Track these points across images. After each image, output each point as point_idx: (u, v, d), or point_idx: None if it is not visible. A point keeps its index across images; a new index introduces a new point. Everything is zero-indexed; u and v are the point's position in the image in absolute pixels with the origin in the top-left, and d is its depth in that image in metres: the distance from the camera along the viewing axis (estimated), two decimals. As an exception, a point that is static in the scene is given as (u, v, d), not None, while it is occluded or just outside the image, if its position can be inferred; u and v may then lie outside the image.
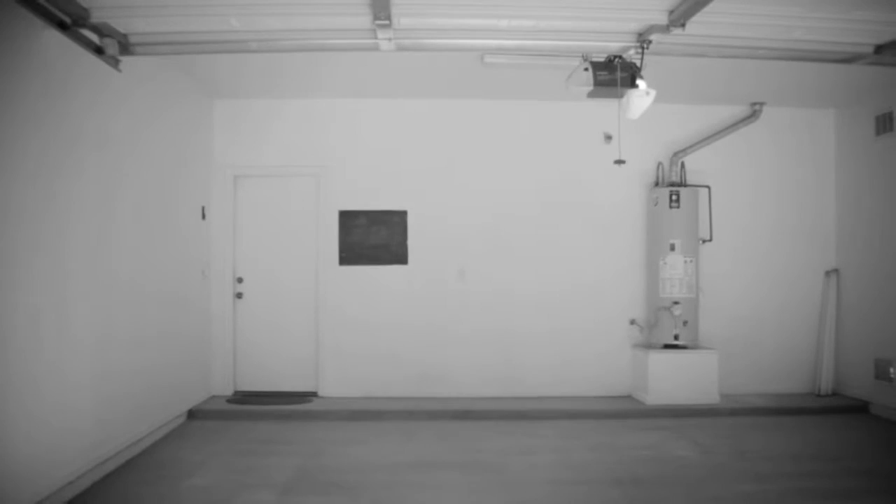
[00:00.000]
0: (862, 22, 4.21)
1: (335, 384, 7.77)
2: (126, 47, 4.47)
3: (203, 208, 7.47)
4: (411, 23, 4.24)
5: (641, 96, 4.69)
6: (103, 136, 5.16)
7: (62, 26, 4.01)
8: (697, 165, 7.95)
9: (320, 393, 7.78)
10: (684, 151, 7.81)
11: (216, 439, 6.42)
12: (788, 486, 5.12)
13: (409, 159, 7.88)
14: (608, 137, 7.92)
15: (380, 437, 6.52)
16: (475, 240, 7.89)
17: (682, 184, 7.76)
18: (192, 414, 7.08)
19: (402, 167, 7.87)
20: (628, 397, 7.82)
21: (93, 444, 5.10)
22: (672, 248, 7.56)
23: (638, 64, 4.69)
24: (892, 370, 7.17)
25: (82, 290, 4.94)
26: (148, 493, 5.00)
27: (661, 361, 7.45)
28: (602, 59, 4.73)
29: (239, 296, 7.83)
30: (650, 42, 4.30)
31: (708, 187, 7.90)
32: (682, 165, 7.83)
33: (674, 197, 7.55)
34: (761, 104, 7.92)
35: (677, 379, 7.42)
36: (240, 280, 7.84)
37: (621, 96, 4.77)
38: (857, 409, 7.56)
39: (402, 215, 7.85)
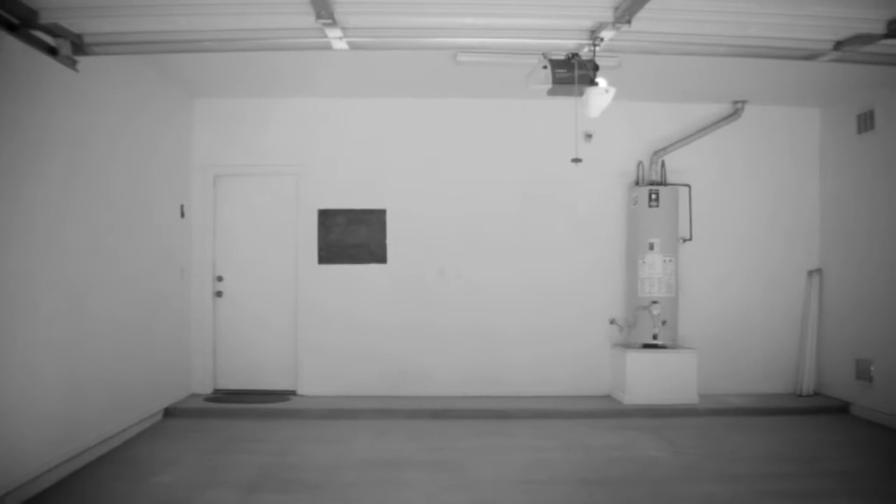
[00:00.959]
0: (819, 18, 4.17)
1: (314, 383, 7.78)
2: (81, 48, 4.48)
3: (182, 207, 7.50)
4: (362, 21, 4.23)
5: (600, 94, 4.67)
6: (70, 136, 5.18)
7: (11, 28, 4.03)
8: (678, 164, 7.91)
9: (299, 391, 7.79)
10: (664, 150, 7.77)
11: (190, 437, 6.44)
12: (756, 487, 5.09)
13: (389, 158, 7.89)
14: (588, 136, 7.89)
15: (353, 436, 6.52)
16: (455, 239, 7.89)
17: (662, 183, 7.72)
18: (169, 412, 7.10)
19: (382, 166, 7.88)
20: (608, 397, 7.79)
21: (60, 440, 5.13)
22: (651, 247, 7.53)
23: (595, 62, 4.66)
24: (872, 369, 7.10)
25: (50, 288, 4.96)
26: (111, 490, 5.01)
27: (639, 361, 7.42)
28: (561, 58, 4.69)
29: (219, 294, 7.86)
30: (602, 39, 4.27)
31: (688, 186, 7.86)
32: (663, 164, 7.79)
33: (653, 196, 7.51)
34: (743, 103, 7.87)
35: (655, 379, 7.39)
36: (220, 279, 7.86)
37: (581, 94, 4.72)
38: (838, 409, 7.51)
39: (381, 214, 7.85)
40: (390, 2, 4.00)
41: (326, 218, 7.82)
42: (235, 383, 7.85)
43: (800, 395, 7.90)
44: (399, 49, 4.87)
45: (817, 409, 7.53)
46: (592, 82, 4.71)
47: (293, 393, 7.80)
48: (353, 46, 4.44)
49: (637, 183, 7.81)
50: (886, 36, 4.13)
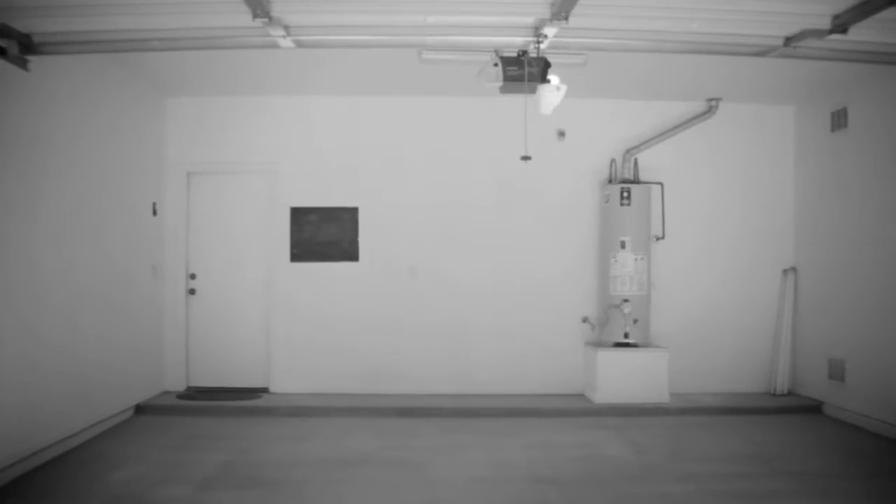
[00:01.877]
0: (765, 13, 4.13)
1: (286, 380, 7.79)
2: (30, 47, 4.49)
3: (154, 205, 7.52)
4: (305, 20, 4.22)
5: (552, 91, 4.67)
6: (27, 136, 5.20)
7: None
8: (652, 162, 7.88)
9: (272, 389, 7.81)
10: (637, 148, 7.74)
11: (156, 434, 6.46)
12: (710, 488, 5.07)
13: (361, 156, 7.89)
14: (561, 134, 7.88)
15: (318, 434, 6.53)
16: (427, 237, 7.88)
17: (635, 181, 7.69)
18: (139, 409, 7.13)
19: (354, 164, 7.88)
20: (580, 396, 7.78)
21: (20, 437, 5.15)
22: (623, 245, 7.50)
23: (547, 59, 4.64)
24: (845, 369, 7.05)
25: (9, 284, 5.00)
26: (68, 486, 5.03)
27: (609, 360, 7.40)
28: (513, 55, 4.68)
29: (192, 292, 7.88)
30: (545, 36, 4.25)
31: (661, 184, 7.82)
32: (635, 162, 7.76)
33: (625, 194, 7.48)
34: (717, 100, 7.83)
35: (626, 377, 7.37)
36: (193, 276, 7.88)
37: (532, 91, 4.71)
38: (811, 409, 7.47)
39: (353, 212, 7.86)
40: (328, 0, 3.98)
41: (299, 216, 7.83)
42: (209, 380, 7.87)
43: (774, 395, 7.86)
44: (346, 47, 4.86)
45: (790, 408, 7.48)
46: (544, 79, 4.67)
47: (265, 390, 7.81)
48: (299, 45, 4.43)
49: (610, 181, 7.79)
50: (832, 31, 4.09)
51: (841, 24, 3.97)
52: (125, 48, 4.68)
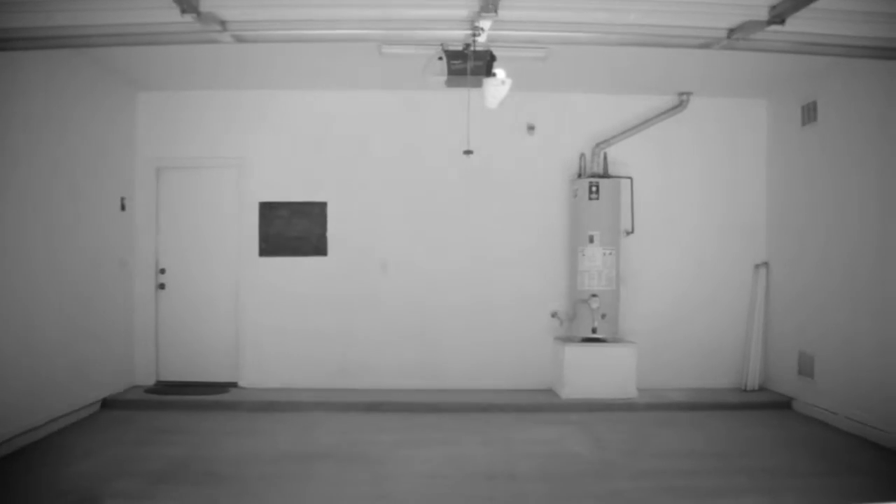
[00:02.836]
0: (705, 4, 4.10)
1: (255, 375, 7.80)
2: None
3: (122, 199, 7.52)
4: (240, 15, 4.20)
5: (497, 85, 4.64)
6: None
7: None
8: (623, 157, 7.83)
9: (241, 383, 7.81)
10: (607, 142, 7.70)
11: (119, 428, 6.48)
12: (665, 484, 5.05)
13: (330, 151, 7.88)
14: (531, 128, 7.85)
15: (281, 429, 6.54)
16: (396, 231, 7.87)
17: (604, 175, 7.64)
18: (106, 403, 7.14)
19: (323, 158, 7.87)
20: (549, 391, 7.75)
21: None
22: (591, 239, 7.47)
23: (492, 52, 4.62)
24: (815, 363, 7.00)
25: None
26: (18, 481, 5.04)
27: (577, 355, 7.37)
28: (458, 49, 4.65)
29: (161, 286, 7.89)
30: (481, 29, 4.22)
31: (630, 178, 7.77)
32: (605, 157, 7.72)
33: (593, 188, 7.44)
34: (688, 94, 7.78)
35: (593, 373, 7.34)
36: (162, 271, 7.89)
37: (478, 85, 4.69)
38: (782, 405, 7.43)
39: (321, 206, 7.85)
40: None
41: (268, 210, 7.83)
42: (179, 375, 7.88)
43: (745, 391, 7.82)
44: (286, 42, 4.81)
45: (760, 404, 7.45)
46: (489, 73, 4.64)
47: (234, 385, 7.82)
48: (239, 40, 4.42)
49: (580, 175, 7.75)
50: (770, 22, 4.05)
51: (778, 15, 3.93)
52: (65, 44, 4.68)
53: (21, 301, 5.77)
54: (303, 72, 7.23)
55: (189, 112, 7.82)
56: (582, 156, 7.75)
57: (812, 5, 3.80)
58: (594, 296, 7.39)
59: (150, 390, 7.62)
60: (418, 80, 7.23)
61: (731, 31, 4.36)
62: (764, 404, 7.43)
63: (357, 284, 7.84)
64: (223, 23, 4.23)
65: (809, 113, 7.22)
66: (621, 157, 7.83)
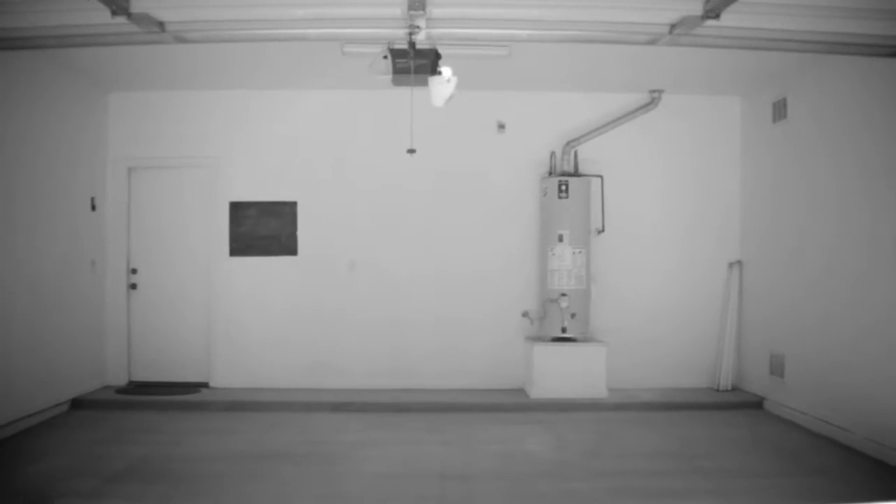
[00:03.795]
0: (645, 0, 4.06)
1: (226, 375, 7.81)
2: None
3: (93, 200, 7.54)
4: (179, 15, 4.20)
5: (442, 83, 4.64)
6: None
7: None
8: (594, 155, 7.79)
9: (212, 384, 7.82)
10: (577, 140, 7.65)
11: (85, 428, 6.49)
12: (618, 485, 5.01)
13: (299, 150, 7.87)
14: (501, 126, 7.83)
15: (245, 428, 6.54)
16: (366, 230, 7.85)
17: (574, 173, 7.60)
18: (76, 403, 7.16)
19: (292, 158, 7.86)
20: (520, 391, 7.71)
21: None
22: (560, 238, 7.42)
23: (438, 51, 4.60)
24: (786, 363, 6.94)
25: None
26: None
27: (546, 354, 7.34)
28: (403, 47, 4.63)
29: (133, 287, 7.90)
30: (419, 28, 4.20)
31: (600, 177, 7.72)
32: (575, 155, 7.67)
33: (562, 187, 7.40)
34: (660, 91, 7.72)
35: (562, 372, 7.31)
36: (134, 271, 7.91)
37: (424, 83, 4.68)
38: (753, 405, 7.38)
39: (291, 206, 7.85)
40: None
41: (238, 210, 7.83)
42: (151, 375, 7.90)
43: (717, 390, 7.76)
44: (227, 42, 4.79)
45: (732, 404, 7.39)
46: (435, 71, 4.62)
47: (206, 385, 7.83)
48: (180, 40, 4.41)
49: (550, 173, 7.71)
50: (706, 17, 4.01)
51: (713, 10, 3.89)
52: (11, 46, 4.65)
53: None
54: (272, 72, 7.23)
55: (161, 112, 7.83)
56: (553, 154, 7.72)
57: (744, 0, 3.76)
58: (564, 295, 7.35)
59: (121, 390, 7.63)
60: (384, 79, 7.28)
61: (673, 27, 4.32)
62: (736, 404, 7.37)
63: (328, 283, 7.83)
64: (161, 24, 4.22)
65: (780, 110, 7.16)
66: (593, 155, 7.78)
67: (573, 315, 7.37)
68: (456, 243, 7.87)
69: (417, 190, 7.87)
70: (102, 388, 7.70)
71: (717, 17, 3.97)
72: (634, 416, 7.02)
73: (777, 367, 7.13)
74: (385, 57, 4.61)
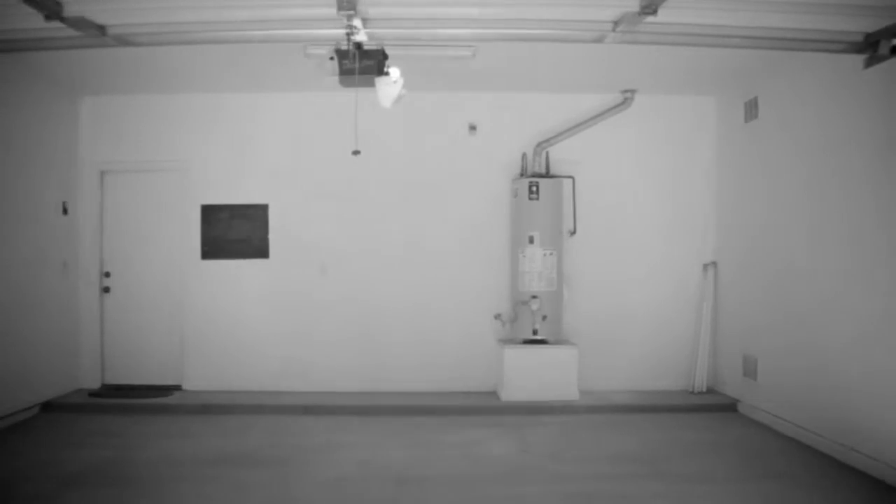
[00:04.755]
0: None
1: (199, 378, 7.79)
2: None
3: (64, 204, 7.56)
4: (118, 18, 4.18)
5: (389, 84, 4.60)
6: None
7: None
8: (567, 156, 7.74)
9: (185, 386, 7.81)
10: (548, 141, 7.60)
11: (53, 431, 6.49)
12: (573, 489, 4.97)
13: (270, 153, 7.86)
14: (472, 128, 7.79)
15: (212, 432, 6.52)
16: (338, 233, 7.83)
17: (545, 175, 7.55)
18: (47, 406, 7.16)
19: (264, 160, 7.85)
20: (493, 393, 7.66)
21: None
22: (531, 240, 7.37)
23: (384, 51, 4.57)
24: (758, 365, 6.86)
25: None
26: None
27: (516, 356, 7.29)
28: (350, 48, 4.60)
29: (107, 290, 7.91)
30: (356, 28, 4.17)
31: (572, 178, 7.67)
32: (547, 156, 7.62)
33: (533, 188, 7.36)
34: (632, 92, 7.66)
35: (533, 375, 7.25)
36: (107, 274, 7.91)
37: (371, 84, 4.65)
38: (727, 408, 7.30)
39: (263, 209, 7.84)
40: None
41: (210, 213, 7.83)
42: (124, 378, 7.90)
43: (692, 393, 7.68)
44: (168, 45, 4.76)
45: (706, 406, 7.31)
46: (381, 72, 4.60)
47: (179, 388, 7.82)
48: (124, 43, 4.39)
49: (522, 175, 7.66)
50: (643, 12, 3.95)
51: (649, 5, 3.84)
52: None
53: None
54: (243, 75, 7.21)
55: (134, 116, 7.84)
56: (524, 155, 7.67)
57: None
58: (534, 297, 7.30)
59: (94, 393, 7.64)
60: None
61: (616, 24, 4.27)
62: (710, 407, 7.30)
63: (299, 287, 7.81)
64: (102, 27, 4.21)
65: (751, 109, 7.10)
66: (565, 156, 7.73)
67: (544, 317, 7.31)
68: (428, 246, 7.84)
69: (388, 192, 7.85)
70: (75, 392, 7.70)
71: (654, 12, 3.92)
72: (605, 419, 6.95)
73: (750, 369, 7.05)
74: (331, 58, 4.56)
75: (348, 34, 4.16)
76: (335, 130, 7.77)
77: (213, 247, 7.82)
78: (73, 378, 7.75)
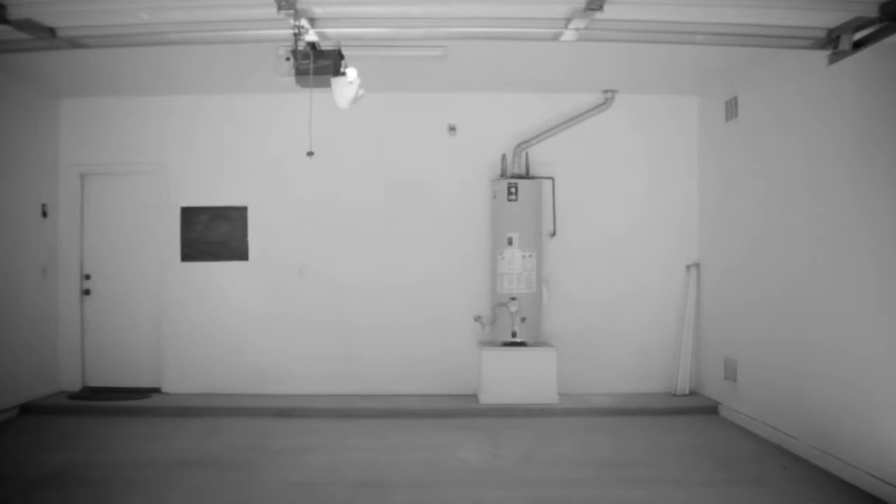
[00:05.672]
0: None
1: (178, 381, 7.78)
2: None
3: (43, 206, 7.57)
4: (67, 20, 4.16)
5: (345, 84, 4.56)
6: None
7: None
8: (547, 157, 7.67)
9: (164, 389, 7.80)
10: (528, 142, 7.53)
11: (27, 433, 6.50)
12: (536, 494, 4.90)
13: (249, 155, 7.83)
14: (452, 129, 7.74)
15: (183, 434, 6.50)
16: (317, 235, 7.80)
17: (524, 176, 7.48)
18: (25, 409, 7.17)
19: (243, 162, 7.83)
20: (473, 396, 7.59)
21: None
22: (510, 242, 7.30)
23: (341, 51, 4.53)
24: (738, 367, 6.76)
25: None
26: None
27: (495, 359, 7.22)
28: (305, 49, 4.57)
29: (87, 292, 7.91)
30: (306, 28, 4.13)
31: (552, 179, 7.60)
32: (526, 157, 7.55)
33: (511, 189, 7.29)
34: (613, 91, 7.58)
35: (512, 377, 7.18)
36: (87, 277, 7.92)
37: (327, 84, 4.61)
38: (708, 410, 7.20)
39: (242, 211, 7.82)
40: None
41: (189, 215, 7.81)
42: (105, 380, 7.90)
43: (675, 395, 7.58)
44: (120, 46, 4.74)
45: (686, 409, 7.22)
46: (338, 72, 4.55)
47: (158, 390, 7.81)
48: (75, 45, 4.37)
49: (502, 176, 7.59)
50: (589, 8, 3.88)
51: (594, 0, 3.76)
52: None
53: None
54: (221, 77, 7.20)
55: (114, 118, 7.84)
56: (504, 157, 7.60)
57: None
58: (513, 299, 7.23)
59: (73, 396, 7.64)
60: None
61: (568, 21, 4.20)
62: (691, 410, 7.20)
63: (279, 289, 7.78)
64: (52, 30, 4.19)
65: (732, 108, 7.00)
66: (546, 157, 7.66)
67: (523, 319, 7.24)
68: (407, 246, 7.79)
69: (368, 194, 7.81)
70: (55, 394, 7.71)
71: (600, 8, 3.85)
72: (583, 422, 6.87)
73: (731, 372, 6.95)
74: (287, 59, 4.52)
75: (296, 34, 4.12)
76: (314, 132, 7.74)
77: (193, 249, 7.81)
78: (54, 380, 7.75)
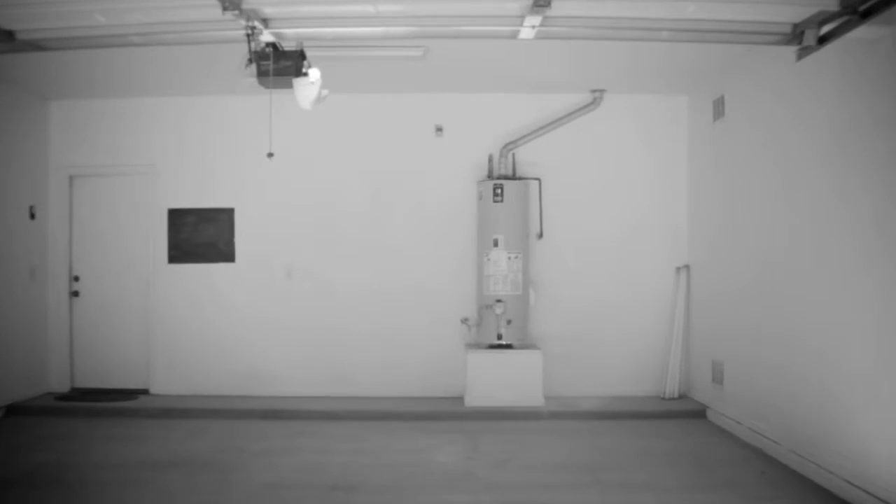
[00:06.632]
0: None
1: (166, 382, 7.80)
2: None
3: (31, 208, 7.62)
4: (24, 23, 4.16)
5: (306, 85, 4.52)
6: None
7: None
8: (534, 157, 7.60)
9: (152, 390, 7.82)
10: (515, 143, 7.46)
11: (11, 435, 6.53)
12: (506, 498, 4.86)
13: (236, 157, 7.83)
14: (439, 130, 7.69)
15: (164, 435, 6.52)
16: (304, 236, 7.78)
17: (511, 177, 7.41)
18: (12, 409, 7.22)
19: (229, 164, 7.83)
20: (460, 399, 7.52)
21: None
22: (496, 243, 7.23)
23: (303, 51, 4.50)
24: (725, 370, 6.65)
25: None
26: None
27: (480, 361, 7.17)
28: (266, 49, 4.54)
29: (76, 294, 7.96)
30: (260, 28, 4.10)
31: (538, 180, 7.52)
32: (513, 157, 7.48)
33: (497, 191, 7.22)
34: (602, 91, 7.50)
35: (498, 380, 7.12)
36: (76, 278, 7.96)
37: (289, 85, 4.58)
38: (696, 414, 7.10)
39: (229, 213, 7.82)
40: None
41: (176, 217, 7.83)
42: (94, 382, 7.93)
43: (663, 399, 7.47)
44: (77, 49, 4.72)
45: (675, 413, 7.12)
46: (299, 73, 4.52)
47: (146, 392, 7.83)
48: (36, 48, 4.38)
49: (489, 177, 7.52)
50: (538, 4, 3.80)
51: (540, -5, 3.71)
52: None
53: None
54: (209, 78, 7.18)
55: (102, 120, 7.87)
56: (490, 157, 7.53)
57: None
58: (499, 301, 7.16)
59: (61, 397, 7.68)
60: (331, 83, 7.17)
61: (522, 18, 4.13)
62: (679, 413, 7.10)
63: (265, 290, 7.78)
64: (10, 33, 4.20)
65: (719, 108, 6.90)
66: (533, 157, 7.60)
67: (509, 321, 7.18)
68: (394, 249, 7.75)
69: (355, 196, 7.79)
70: (43, 395, 7.75)
71: (548, 4, 3.77)
72: (568, 426, 6.80)
73: (718, 375, 6.84)
74: (250, 59, 4.50)
75: (248, 35, 4.09)
76: (300, 133, 7.76)
77: (180, 251, 7.83)
78: (42, 382, 7.80)
